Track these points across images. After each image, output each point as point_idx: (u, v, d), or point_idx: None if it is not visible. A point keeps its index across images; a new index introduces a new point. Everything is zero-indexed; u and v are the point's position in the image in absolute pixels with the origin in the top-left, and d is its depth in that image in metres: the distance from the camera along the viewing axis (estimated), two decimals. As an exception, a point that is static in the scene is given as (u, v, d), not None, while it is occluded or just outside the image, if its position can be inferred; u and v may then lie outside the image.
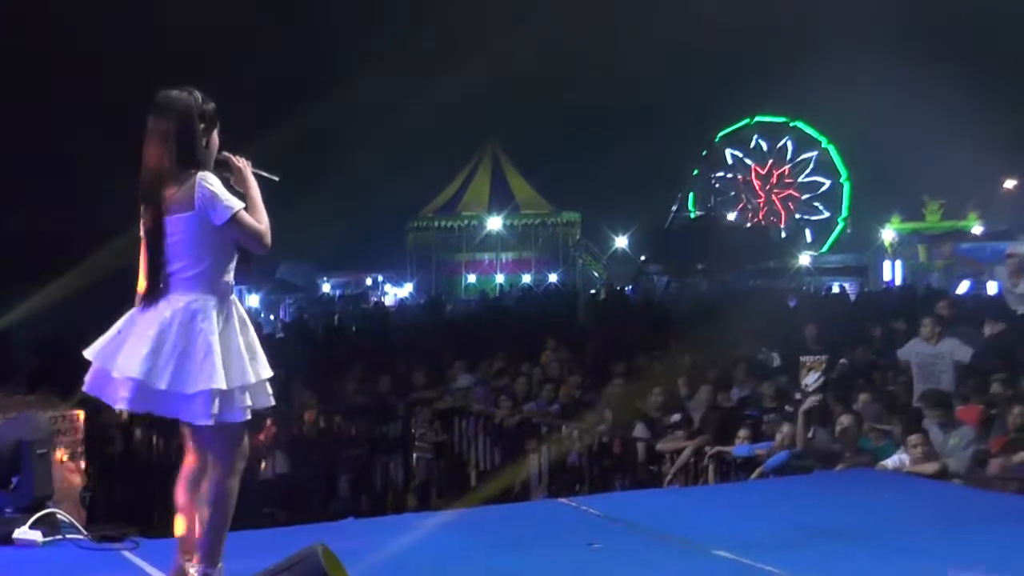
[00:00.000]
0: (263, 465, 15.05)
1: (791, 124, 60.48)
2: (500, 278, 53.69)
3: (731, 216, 57.90)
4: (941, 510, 7.69)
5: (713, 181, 59.60)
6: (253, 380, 5.15)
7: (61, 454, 9.91)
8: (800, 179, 60.87)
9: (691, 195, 59.11)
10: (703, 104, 56.53)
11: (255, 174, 5.27)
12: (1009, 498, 8.53)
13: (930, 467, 9.71)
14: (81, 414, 10.78)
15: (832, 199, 60.17)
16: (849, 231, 58.62)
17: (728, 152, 61.81)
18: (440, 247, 57.24)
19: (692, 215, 56.54)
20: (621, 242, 57.16)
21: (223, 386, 4.98)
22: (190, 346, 4.99)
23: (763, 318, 20.12)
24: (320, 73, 45.35)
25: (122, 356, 5.05)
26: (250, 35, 45.17)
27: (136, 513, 13.65)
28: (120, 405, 5.14)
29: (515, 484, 14.06)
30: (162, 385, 4.97)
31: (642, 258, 52.28)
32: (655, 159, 54.60)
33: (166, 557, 6.11)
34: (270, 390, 5.30)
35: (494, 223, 56.01)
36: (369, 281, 55.37)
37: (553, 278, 51.47)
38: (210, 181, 5.01)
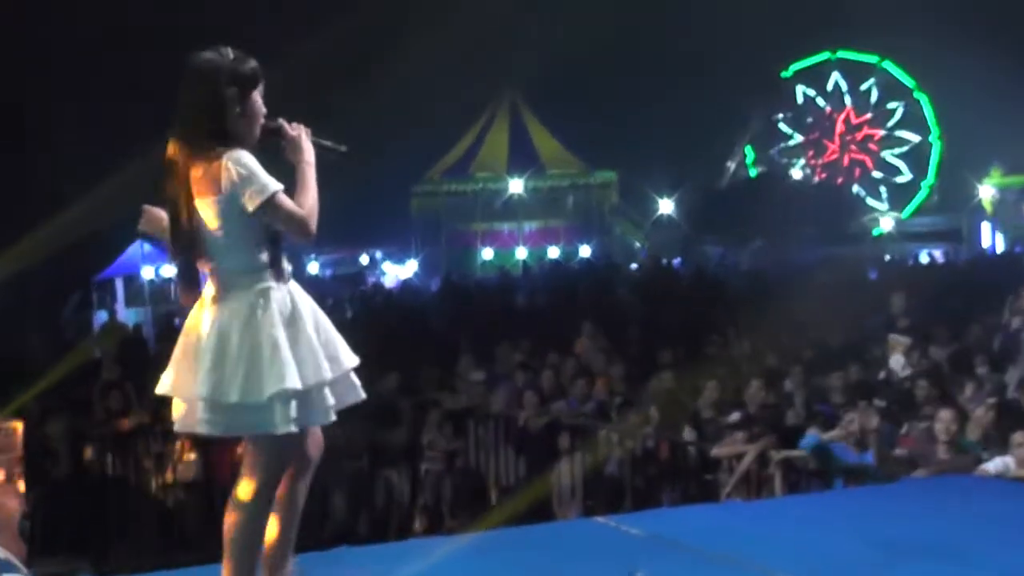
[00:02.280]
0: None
1: (879, 65, 60.09)
2: (522, 252, 53.63)
3: (796, 172, 57.74)
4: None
5: (778, 121, 59.43)
6: (331, 376, 5.21)
7: (-3, 475, 9.92)
8: (883, 131, 60.56)
9: (749, 147, 58.99)
10: (766, 38, 56.16)
11: (316, 144, 5.34)
12: None
13: (1041, 470, 9.66)
14: (19, 426, 10.78)
15: (918, 160, 59.86)
16: (936, 198, 58.30)
17: (801, 90, 61.60)
18: (450, 216, 57.18)
19: (751, 172, 56.40)
20: (666, 206, 57.00)
21: (297, 385, 5.05)
22: (256, 346, 5.05)
23: (837, 295, 20.11)
24: (309, 14, 45.34)
25: (187, 375, 5.13)
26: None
27: (87, 544, 13.72)
28: (203, 431, 5.18)
29: (543, 500, 14.06)
30: (233, 397, 5.03)
31: (692, 225, 52.20)
32: (706, 107, 54.37)
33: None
34: (357, 382, 5.41)
35: (515, 186, 55.90)
36: (365, 259, 55.30)
37: (586, 251, 51.40)
38: (240, 161, 5.05)
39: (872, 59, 60.30)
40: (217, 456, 15.09)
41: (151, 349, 21.88)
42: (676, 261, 40.56)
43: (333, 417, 5.26)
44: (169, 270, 40.97)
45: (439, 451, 15.71)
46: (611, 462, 14.01)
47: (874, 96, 60.72)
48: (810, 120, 61.48)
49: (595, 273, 35.76)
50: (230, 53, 5.20)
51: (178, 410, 5.23)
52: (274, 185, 5.05)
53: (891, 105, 60.39)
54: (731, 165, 59.16)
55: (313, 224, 5.15)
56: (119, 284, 41.86)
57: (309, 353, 5.13)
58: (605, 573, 6.60)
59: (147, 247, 39.87)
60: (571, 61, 53.73)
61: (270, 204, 5.03)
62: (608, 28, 52.67)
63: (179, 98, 5.16)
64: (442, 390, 16.65)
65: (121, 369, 17.50)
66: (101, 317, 35.13)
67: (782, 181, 53.97)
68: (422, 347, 19.48)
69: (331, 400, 5.23)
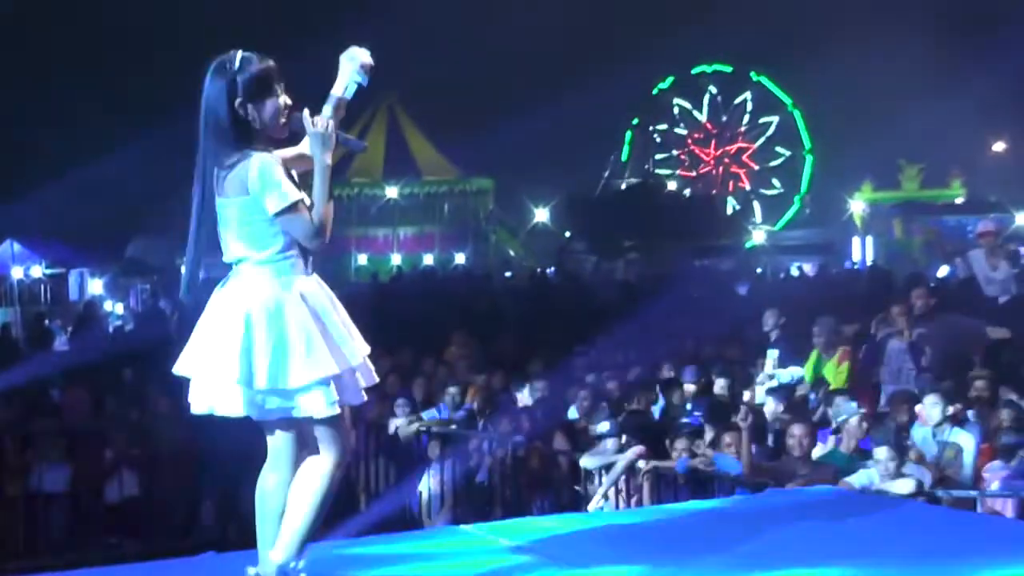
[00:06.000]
0: (109, 486, 14.92)
1: (755, 78, 60.78)
2: (397, 258, 53.48)
3: (672, 183, 58.17)
4: (917, 537, 7.75)
5: (654, 135, 59.87)
6: (360, 360, 5.59)
7: None
8: (757, 144, 61.24)
9: (626, 153, 59.36)
10: (644, 50, 56.54)
11: (339, 139, 5.57)
12: (1003, 522, 8.63)
13: (904, 484, 9.83)
14: None
15: (790, 173, 60.64)
16: (808, 211, 59.06)
17: (675, 102, 62.12)
18: (325, 221, 56.77)
19: (627, 182, 56.67)
20: (542, 215, 57.17)
21: (336, 370, 5.39)
22: (287, 334, 5.33)
23: (711, 305, 20.31)
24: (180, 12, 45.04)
25: (214, 361, 5.38)
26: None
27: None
28: (232, 412, 5.54)
29: (411, 507, 14.05)
30: (262, 383, 5.34)
31: (567, 234, 52.37)
32: (583, 116, 54.60)
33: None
34: (371, 366, 5.74)
35: (390, 192, 55.77)
36: (241, 261, 54.94)
37: (461, 258, 51.40)
38: (264, 167, 5.31)
39: (748, 73, 60.94)
40: (85, 463, 14.91)
41: (21, 351, 21.54)
42: (550, 270, 40.67)
43: (364, 397, 5.69)
44: (38, 270, 40.40)
45: (309, 457, 15.60)
46: (481, 470, 14.02)
47: (748, 110, 61.40)
48: (684, 132, 62.07)
49: (469, 280, 35.79)
50: (238, 57, 5.40)
51: (198, 392, 5.52)
52: (294, 195, 5.32)
53: (766, 119, 61.11)
54: (605, 175, 59.43)
55: (323, 237, 5.42)
56: (-14, 283, 41.12)
57: (340, 338, 5.46)
58: (472, 582, 6.62)
59: (16, 247, 39.21)
60: (448, 67, 53.80)
61: (288, 212, 5.30)
62: (484, 35, 52.76)
63: (202, 105, 5.40)
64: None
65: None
66: (-33, 317, 34.52)
67: (657, 192, 54.31)
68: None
69: (362, 382, 5.60)
